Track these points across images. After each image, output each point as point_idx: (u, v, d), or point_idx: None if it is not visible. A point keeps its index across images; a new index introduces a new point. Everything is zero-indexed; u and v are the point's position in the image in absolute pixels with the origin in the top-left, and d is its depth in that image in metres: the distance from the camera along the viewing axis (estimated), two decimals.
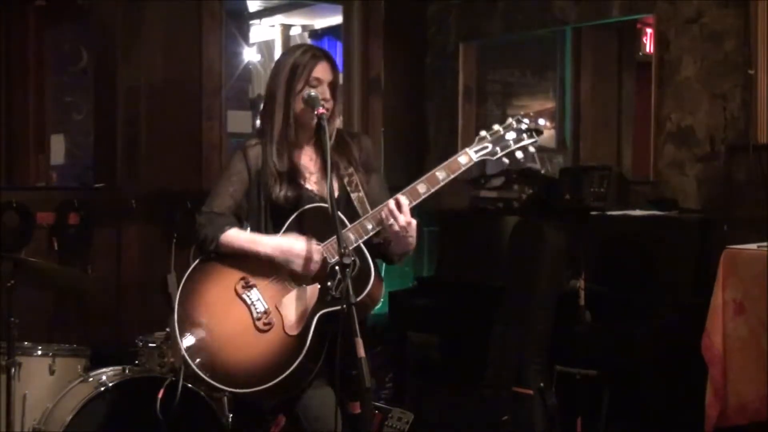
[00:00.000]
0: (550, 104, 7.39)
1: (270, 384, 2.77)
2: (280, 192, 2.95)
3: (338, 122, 3.10)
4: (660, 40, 5.01)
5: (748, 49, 4.59)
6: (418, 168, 6.22)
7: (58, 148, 6.73)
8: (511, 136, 2.89)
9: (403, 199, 2.82)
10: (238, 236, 2.92)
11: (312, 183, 3.01)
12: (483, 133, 2.91)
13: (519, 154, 2.89)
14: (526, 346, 4.14)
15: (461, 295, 4.86)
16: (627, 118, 6.90)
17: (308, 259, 2.84)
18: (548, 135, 7.41)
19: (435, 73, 6.22)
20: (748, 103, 4.60)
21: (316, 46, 3.12)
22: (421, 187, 2.84)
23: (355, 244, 2.82)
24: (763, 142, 4.53)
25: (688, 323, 3.97)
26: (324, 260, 2.84)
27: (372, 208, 2.91)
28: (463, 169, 2.87)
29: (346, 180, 3.00)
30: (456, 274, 5.10)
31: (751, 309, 3.66)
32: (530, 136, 2.90)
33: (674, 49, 4.93)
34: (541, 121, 2.97)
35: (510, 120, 2.91)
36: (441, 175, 2.84)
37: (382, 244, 2.96)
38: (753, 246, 3.79)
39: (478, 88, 6.37)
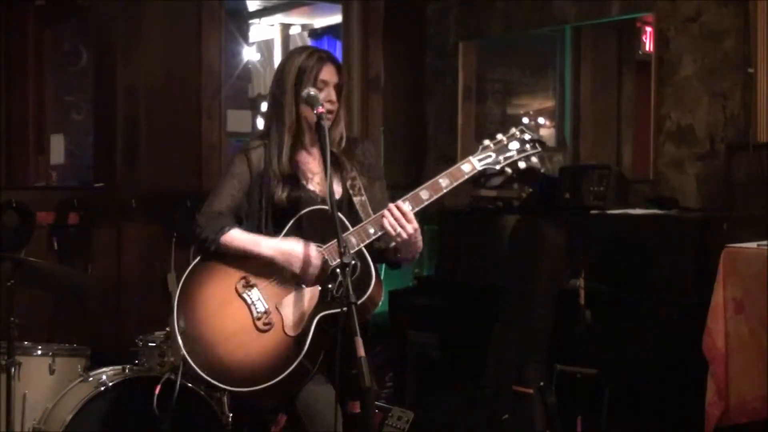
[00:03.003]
0: (549, 103, 7.39)
1: (268, 384, 2.77)
2: (282, 193, 2.95)
3: (342, 126, 3.09)
4: (659, 39, 5.01)
5: (748, 47, 4.59)
6: (418, 167, 6.23)
7: (57, 148, 6.72)
8: (514, 146, 2.90)
9: (406, 207, 2.81)
10: (238, 236, 2.92)
11: (314, 184, 3.01)
12: (486, 142, 2.91)
13: (522, 164, 2.91)
14: (526, 345, 4.14)
15: (461, 295, 4.86)
16: (626, 116, 6.90)
17: (308, 263, 2.84)
18: (548, 134, 7.41)
19: (434, 72, 6.22)
20: (748, 102, 4.60)
21: (320, 48, 3.13)
22: (424, 194, 2.85)
23: (356, 248, 2.82)
24: (763, 141, 4.53)
25: (688, 323, 3.96)
26: (325, 263, 2.84)
27: (374, 213, 2.90)
28: (467, 177, 2.88)
29: (348, 183, 3.00)
30: (456, 274, 5.10)
31: (751, 308, 3.66)
32: (533, 147, 2.91)
33: (674, 48, 4.92)
34: (542, 134, 3.00)
35: (513, 130, 2.92)
36: (444, 182, 2.85)
37: (387, 251, 2.97)
38: (753, 245, 3.78)
39: (478, 87, 6.36)
